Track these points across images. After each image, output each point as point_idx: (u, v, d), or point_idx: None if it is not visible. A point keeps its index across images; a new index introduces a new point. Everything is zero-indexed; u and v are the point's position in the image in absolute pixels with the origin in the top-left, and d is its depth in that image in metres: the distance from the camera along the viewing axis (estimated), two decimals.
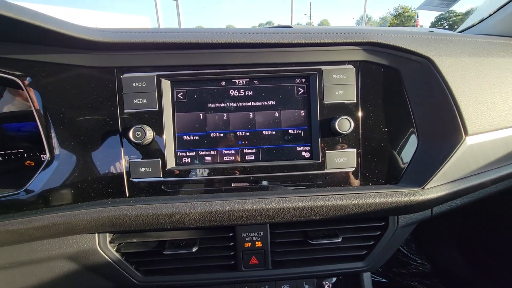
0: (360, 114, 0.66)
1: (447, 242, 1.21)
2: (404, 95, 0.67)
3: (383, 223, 0.73)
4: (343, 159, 0.66)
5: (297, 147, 0.67)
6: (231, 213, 0.62)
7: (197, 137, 0.67)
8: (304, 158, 0.67)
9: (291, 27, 1.00)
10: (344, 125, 0.63)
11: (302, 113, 0.67)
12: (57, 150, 0.63)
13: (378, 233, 0.73)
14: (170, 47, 0.63)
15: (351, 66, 0.66)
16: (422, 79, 0.66)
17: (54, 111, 0.63)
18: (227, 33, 0.63)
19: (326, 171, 0.66)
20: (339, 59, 0.66)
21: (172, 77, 0.65)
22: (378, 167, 0.67)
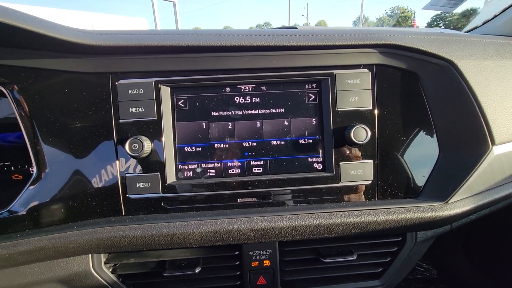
0: (376, 122, 0.61)
1: (454, 247, 1.16)
2: (423, 101, 0.62)
3: (400, 239, 0.67)
4: (359, 171, 0.60)
5: (309, 158, 0.62)
6: (238, 233, 0.56)
7: (200, 149, 0.61)
8: (316, 170, 0.62)
9: (296, 28, 0.95)
10: (360, 134, 0.57)
11: (314, 121, 0.62)
12: (45, 164, 0.57)
13: (395, 249, 0.68)
14: (169, 50, 0.57)
15: (366, 70, 0.61)
16: (443, 83, 0.61)
17: (42, 121, 0.57)
18: (231, 35, 0.58)
19: (340, 184, 0.60)
20: (353, 63, 0.61)
21: (172, 83, 0.59)
22: (396, 180, 0.62)
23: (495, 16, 0.87)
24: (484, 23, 0.93)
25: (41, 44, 0.54)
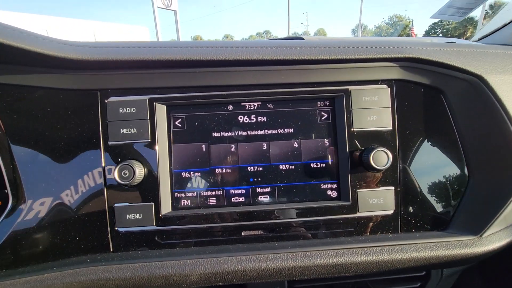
0: (397, 144, 0.54)
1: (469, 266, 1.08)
2: (449, 120, 0.55)
3: (424, 273, 0.60)
4: (379, 200, 0.53)
5: (322, 185, 0.55)
6: (242, 273, 0.49)
7: (199, 174, 0.54)
8: (331, 198, 0.55)
9: (303, 38, 0.90)
10: (381, 158, 0.51)
11: (327, 143, 0.55)
12: (23, 194, 0.50)
13: (419, 284, 0.60)
14: (165, 65, 0.51)
15: (385, 86, 0.55)
16: (471, 101, 0.54)
17: (20, 144, 0.50)
18: (234, 48, 0.52)
19: (358, 214, 0.53)
20: (370, 78, 0.55)
21: (168, 101, 0.53)
22: (421, 210, 0.54)
23: (505, 25, 0.82)
24: (493, 32, 0.87)
25: (19, 58, 0.48)
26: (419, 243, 0.51)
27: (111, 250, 0.52)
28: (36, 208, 0.50)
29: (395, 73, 0.55)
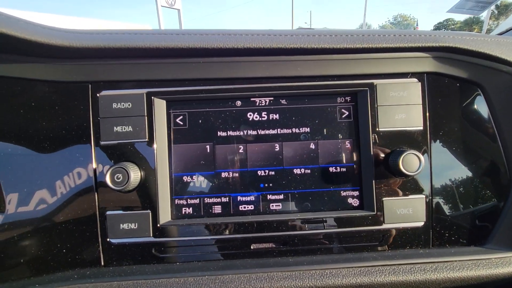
0: (429, 146, 0.48)
1: None
2: (489, 119, 0.48)
3: None
4: (408, 210, 0.47)
5: (342, 192, 0.48)
6: None
7: (203, 178, 0.48)
8: (352, 207, 0.48)
9: (313, 29, 0.83)
10: (411, 163, 0.44)
11: (348, 144, 0.49)
12: (3, 201, 0.44)
13: None
14: (165, 54, 0.45)
15: (415, 80, 0.48)
16: None
17: (0, 144, 0.44)
18: (244, 35, 0.45)
19: (384, 226, 0.47)
20: (399, 71, 0.48)
21: (168, 95, 0.47)
22: (456, 222, 0.48)
23: None
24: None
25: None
26: (455, 260, 0.44)
27: (102, 264, 0.45)
28: (17, 215, 0.44)
29: (428, 65, 0.48)
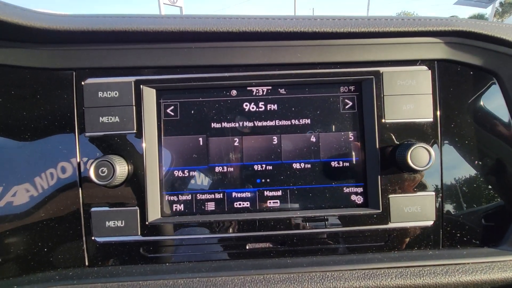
0: (440, 139, 0.44)
1: None
2: (505, 110, 0.45)
3: None
4: (416, 208, 0.43)
5: (345, 188, 0.45)
6: None
7: (195, 173, 0.45)
8: (356, 204, 0.45)
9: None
10: (420, 157, 0.41)
11: (351, 137, 0.45)
12: None
13: None
14: (155, 38, 0.42)
15: (425, 68, 0.45)
16: None
17: None
18: (239, 19, 0.42)
19: (390, 226, 0.43)
20: (407, 58, 0.45)
21: (158, 84, 0.44)
22: (468, 221, 0.44)
23: None
24: None
25: None
26: (468, 263, 0.41)
27: (86, 264, 0.42)
28: None
29: (439, 51, 0.44)
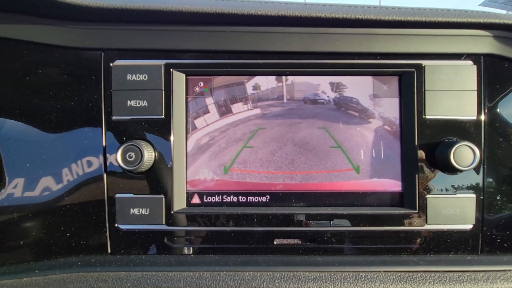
0: (483, 138, 0.42)
1: None
2: None
3: None
4: (455, 210, 0.41)
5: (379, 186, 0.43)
6: None
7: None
8: (391, 204, 0.43)
9: None
10: (464, 156, 0.38)
11: (389, 132, 0.43)
12: (4, 176, 0.40)
13: None
14: (188, 20, 0.40)
15: (470, 63, 0.42)
16: None
17: (1, 114, 0.40)
18: (277, 3, 0.40)
19: (427, 227, 0.41)
20: (452, 51, 0.42)
21: (188, 68, 0.42)
22: (510, 226, 0.42)
23: None
24: None
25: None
26: (509, 270, 0.39)
27: (109, 251, 0.41)
28: (18, 194, 0.40)
29: (486, 45, 0.42)
